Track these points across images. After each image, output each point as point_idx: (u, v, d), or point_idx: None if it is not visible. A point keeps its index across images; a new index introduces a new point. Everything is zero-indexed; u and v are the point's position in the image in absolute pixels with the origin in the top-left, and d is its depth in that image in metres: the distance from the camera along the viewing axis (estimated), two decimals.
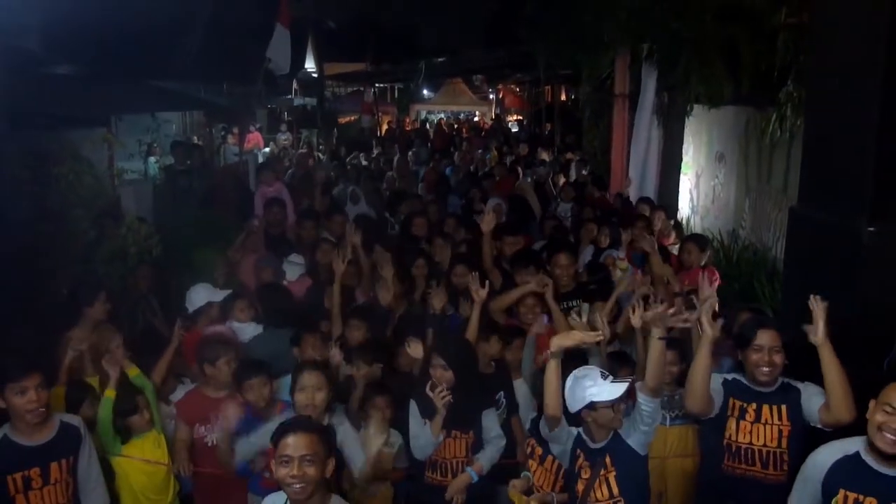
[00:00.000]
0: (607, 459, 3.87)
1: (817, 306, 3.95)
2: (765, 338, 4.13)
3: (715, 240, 10.24)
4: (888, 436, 3.36)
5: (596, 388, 3.80)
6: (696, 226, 11.65)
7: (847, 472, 3.49)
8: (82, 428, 4.32)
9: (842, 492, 3.47)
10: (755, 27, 8.59)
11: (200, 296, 6.07)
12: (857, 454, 3.50)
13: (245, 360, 4.96)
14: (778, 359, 4.10)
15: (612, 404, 3.78)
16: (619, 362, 4.92)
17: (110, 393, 4.68)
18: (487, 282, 5.48)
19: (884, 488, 3.39)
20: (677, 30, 9.60)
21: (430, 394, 4.43)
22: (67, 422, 4.26)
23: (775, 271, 8.19)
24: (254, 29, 14.12)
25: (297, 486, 3.15)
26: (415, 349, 5.14)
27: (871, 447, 3.44)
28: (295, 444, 3.19)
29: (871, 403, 3.48)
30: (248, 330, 5.79)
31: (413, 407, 4.63)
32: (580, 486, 3.93)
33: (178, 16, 12.36)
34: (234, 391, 4.79)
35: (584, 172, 13.75)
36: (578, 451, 3.99)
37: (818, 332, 3.90)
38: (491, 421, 4.69)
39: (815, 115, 5.25)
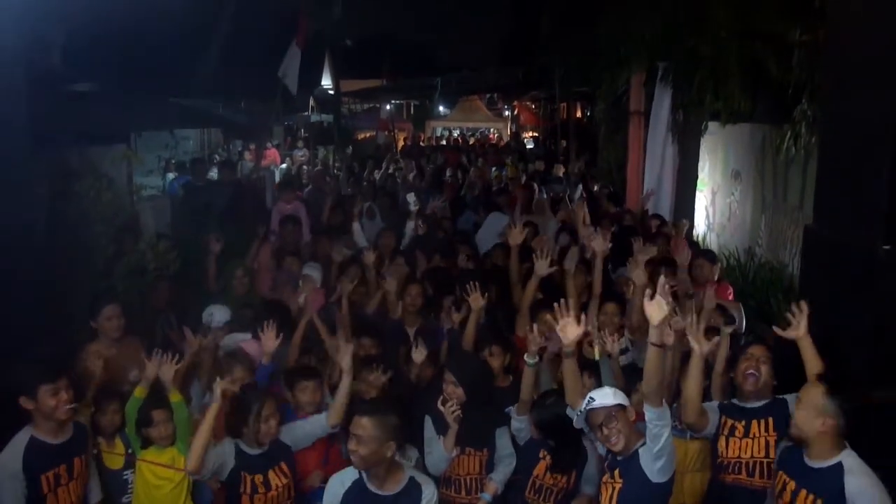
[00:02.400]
0: (617, 471, 3.99)
1: (799, 310, 4.28)
2: (755, 349, 4.45)
3: (731, 257, 10.22)
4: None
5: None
6: (713, 243, 11.63)
7: (787, 458, 3.96)
8: (88, 425, 4.68)
9: (780, 473, 3.96)
10: (772, 44, 8.60)
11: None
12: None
13: (300, 365, 5.14)
14: (764, 369, 4.39)
15: (600, 425, 3.95)
16: (635, 375, 4.95)
17: (140, 392, 4.78)
18: (484, 292, 5.66)
19: (802, 473, 3.81)
20: (693, 47, 9.62)
21: (442, 409, 4.48)
22: (77, 420, 4.55)
23: (792, 288, 8.16)
24: (272, 47, 14.26)
25: (354, 458, 3.73)
26: (419, 353, 5.28)
27: None
28: (356, 423, 3.73)
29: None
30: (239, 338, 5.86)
31: (428, 422, 4.67)
32: (601, 487, 4.12)
33: (197, 34, 12.52)
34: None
35: (604, 190, 13.74)
36: (608, 453, 4.14)
37: (801, 327, 4.24)
38: (504, 439, 4.72)
39: (829, 134, 5.25)
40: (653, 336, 3.83)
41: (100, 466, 4.84)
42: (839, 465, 3.68)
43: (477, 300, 5.60)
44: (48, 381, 4.24)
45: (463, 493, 4.66)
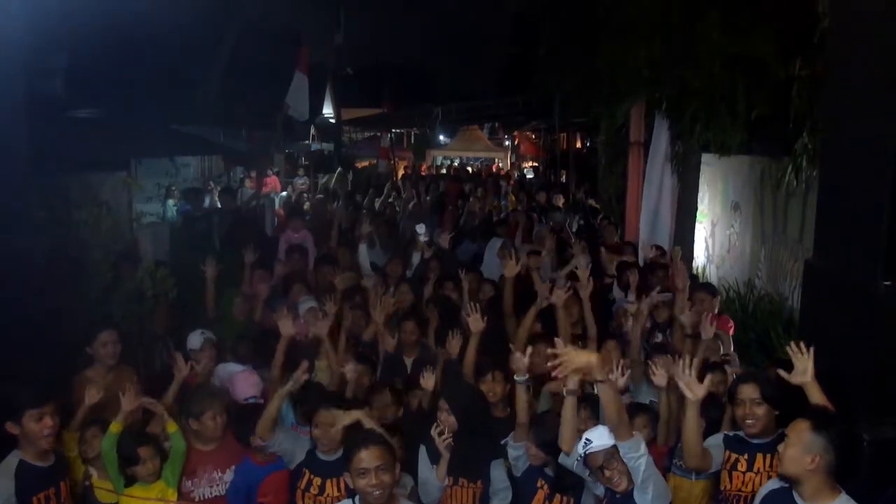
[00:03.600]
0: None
1: (801, 352, 4.12)
2: (744, 391, 4.33)
3: (731, 290, 10.20)
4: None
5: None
6: (712, 275, 11.62)
7: (774, 502, 3.73)
8: (75, 453, 4.73)
9: None
10: (761, 78, 8.65)
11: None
12: (788, 488, 3.67)
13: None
14: (760, 410, 4.28)
15: (601, 467, 3.90)
16: (634, 412, 4.90)
17: (115, 427, 4.64)
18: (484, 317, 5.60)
19: None
20: (685, 79, 9.68)
21: (434, 437, 4.44)
22: (58, 447, 4.58)
23: (791, 321, 8.13)
24: (273, 75, 14.33)
25: (377, 492, 3.58)
26: (427, 380, 5.20)
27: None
28: (368, 456, 3.59)
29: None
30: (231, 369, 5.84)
31: (422, 452, 4.64)
32: None
33: (198, 62, 12.58)
34: (223, 444, 4.89)
35: (603, 221, 13.73)
36: (607, 492, 4.07)
37: (807, 372, 4.08)
38: (499, 472, 4.67)
39: (829, 169, 5.25)
40: (595, 374, 3.82)
41: (92, 499, 4.76)
42: None
43: (477, 322, 5.54)
44: (33, 407, 4.26)
45: None
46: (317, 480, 4.50)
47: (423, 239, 9.34)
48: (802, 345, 4.15)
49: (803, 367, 4.10)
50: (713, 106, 9.47)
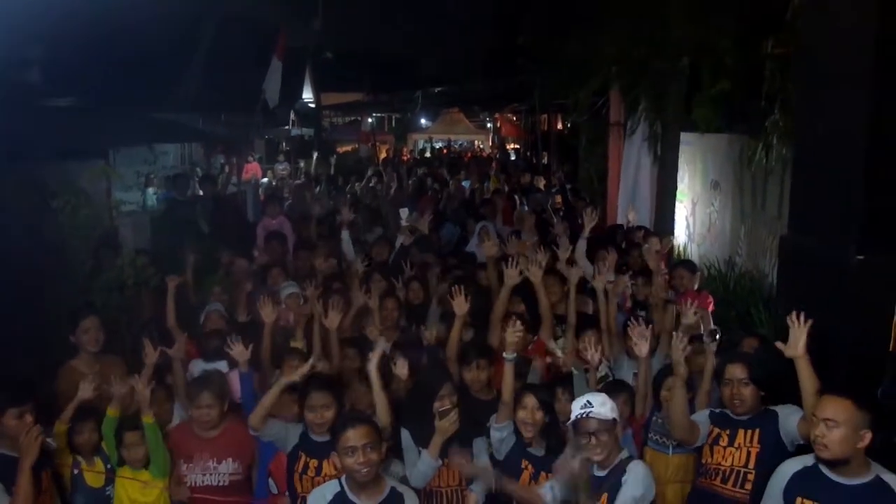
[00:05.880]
0: (602, 489, 3.93)
1: (798, 323, 4.14)
2: (732, 371, 4.37)
3: (712, 267, 10.27)
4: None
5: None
6: (693, 253, 11.67)
7: (804, 481, 3.72)
8: (62, 444, 4.71)
9: (798, 499, 3.71)
10: (723, 60, 8.73)
11: None
12: (814, 465, 3.71)
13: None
14: (746, 391, 4.33)
15: (591, 433, 3.84)
16: (614, 390, 4.89)
17: (111, 412, 4.73)
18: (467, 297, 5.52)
19: (834, 494, 3.60)
20: (643, 60, 9.77)
21: (445, 420, 4.37)
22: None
23: (772, 298, 8.19)
24: (252, 60, 14.23)
25: (365, 470, 3.70)
26: (401, 368, 5.06)
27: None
28: (355, 435, 3.70)
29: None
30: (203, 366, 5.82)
31: (405, 435, 4.62)
32: None
33: (176, 48, 12.47)
34: (222, 434, 4.91)
35: (580, 202, 13.78)
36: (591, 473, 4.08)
37: (798, 346, 4.10)
38: (479, 450, 4.64)
39: (803, 146, 5.30)
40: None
41: (82, 485, 4.79)
42: (879, 480, 3.55)
43: (461, 305, 5.49)
44: (15, 405, 4.28)
45: None
46: (313, 462, 4.54)
47: (404, 223, 9.35)
48: (800, 316, 4.17)
49: (795, 339, 4.12)
50: (671, 85, 9.59)
